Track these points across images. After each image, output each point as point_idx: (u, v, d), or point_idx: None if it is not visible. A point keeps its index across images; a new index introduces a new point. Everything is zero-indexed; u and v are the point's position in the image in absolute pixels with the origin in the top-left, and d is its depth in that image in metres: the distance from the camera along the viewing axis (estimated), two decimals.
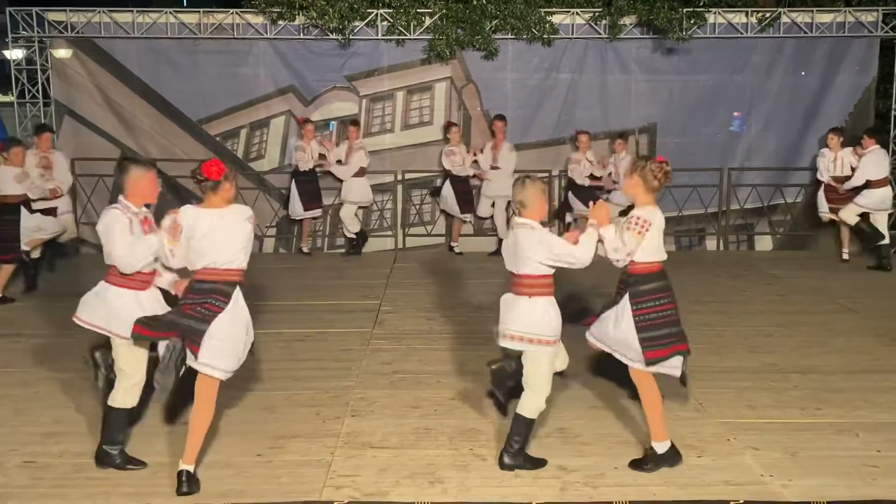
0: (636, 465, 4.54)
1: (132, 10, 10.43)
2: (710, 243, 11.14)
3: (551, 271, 4.49)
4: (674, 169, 11.12)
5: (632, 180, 4.48)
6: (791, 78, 10.76)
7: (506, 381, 4.95)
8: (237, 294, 4.25)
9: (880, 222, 9.61)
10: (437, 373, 6.07)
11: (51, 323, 7.40)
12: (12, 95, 10.75)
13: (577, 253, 4.38)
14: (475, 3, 10.00)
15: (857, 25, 10.52)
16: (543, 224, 4.53)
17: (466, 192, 10.46)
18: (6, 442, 4.82)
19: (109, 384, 4.55)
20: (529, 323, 4.45)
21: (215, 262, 4.19)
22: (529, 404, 4.53)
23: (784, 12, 10.53)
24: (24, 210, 8.31)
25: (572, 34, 10.53)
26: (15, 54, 11.00)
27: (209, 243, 4.19)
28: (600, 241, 4.44)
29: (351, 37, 10.31)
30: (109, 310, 4.39)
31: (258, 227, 9.83)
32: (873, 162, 9.50)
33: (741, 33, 10.48)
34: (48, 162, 9.00)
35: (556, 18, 10.46)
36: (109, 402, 4.46)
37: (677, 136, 10.84)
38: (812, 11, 10.54)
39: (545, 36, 10.36)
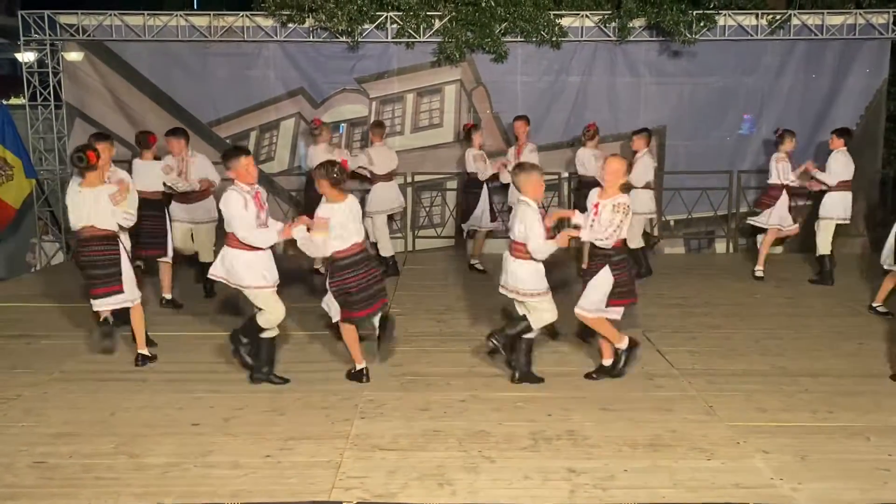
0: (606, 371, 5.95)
1: (143, 14, 10.48)
2: (720, 245, 11.11)
3: None
4: (683, 171, 11.12)
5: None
6: (801, 80, 10.72)
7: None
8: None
9: (826, 232, 8.90)
10: (446, 374, 6.07)
11: (59, 324, 7.44)
12: (24, 98, 10.82)
13: (534, 244, 5.55)
14: (484, 5, 10.00)
15: (868, 27, 10.48)
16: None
17: (473, 203, 9.80)
18: (16, 442, 4.84)
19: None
20: (532, 282, 5.69)
21: (357, 241, 5.67)
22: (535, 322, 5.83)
23: (794, 14, 10.50)
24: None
25: (581, 37, 10.54)
26: (27, 57, 11.09)
27: (347, 231, 5.59)
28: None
29: (360, 39, 10.33)
30: (232, 267, 5.60)
31: None
32: (841, 162, 8.79)
33: (751, 35, 10.46)
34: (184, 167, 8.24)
35: (566, 21, 10.46)
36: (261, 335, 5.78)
37: (687, 138, 10.83)
38: (822, 13, 10.51)
39: (554, 38, 10.36)
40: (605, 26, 10.45)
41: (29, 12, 10.39)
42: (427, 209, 11.03)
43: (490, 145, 10.77)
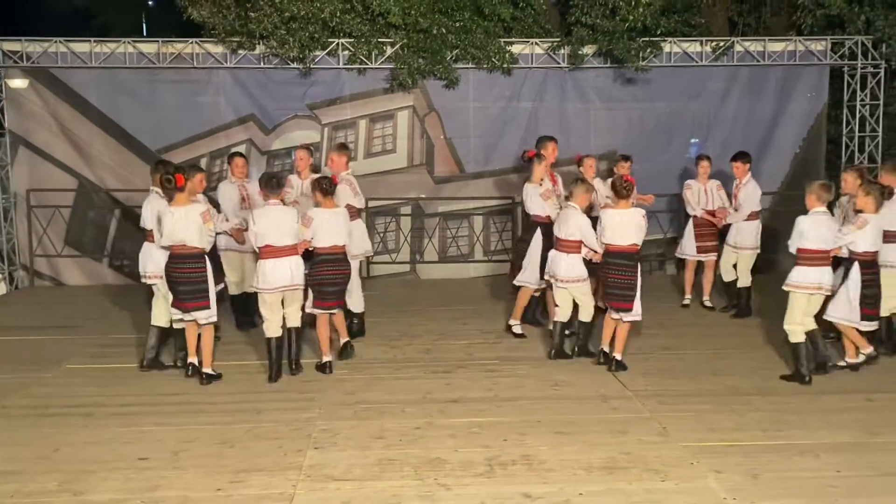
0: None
1: (90, 40, 10.32)
2: (671, 267, 11.26)
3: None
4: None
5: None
6: (746, 105, 11.00)
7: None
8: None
9: (744, 264, 8.48)
10: (401, 402, 6.01)
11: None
12: None
13: (592, 240, 6.87)
14: (435, 32, 10.08)
15: (807, 54, 10.82)
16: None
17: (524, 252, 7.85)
18: None
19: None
20: (579, 270, 6.92)
21: (335, 243, 6.61)
22: (587, 314, 7.05)
23: (737, 41, 10.80)
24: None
25: (531, 63, 10.67)
26: None
27: (327, 232, 6.55)
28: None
29: (312, 66, 10.32)
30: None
31: None
32: (753, 192, 8.46)
33: (696, 62, 10.72)
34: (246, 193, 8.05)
35: (516, 48, 10.60)
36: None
37: (636, 162, 10.84)
38: (764, 40, 10.85)
39: (505, 65, 10.48)
40: (555, 53, 10.61)
41: None
42: (381, 235, 11.00)
43: (443, 171, 10.84)
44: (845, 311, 6.44)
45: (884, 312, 6.87)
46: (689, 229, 8.91)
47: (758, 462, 4.87)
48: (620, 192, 6.69)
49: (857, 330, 6.53)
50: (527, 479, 4.67)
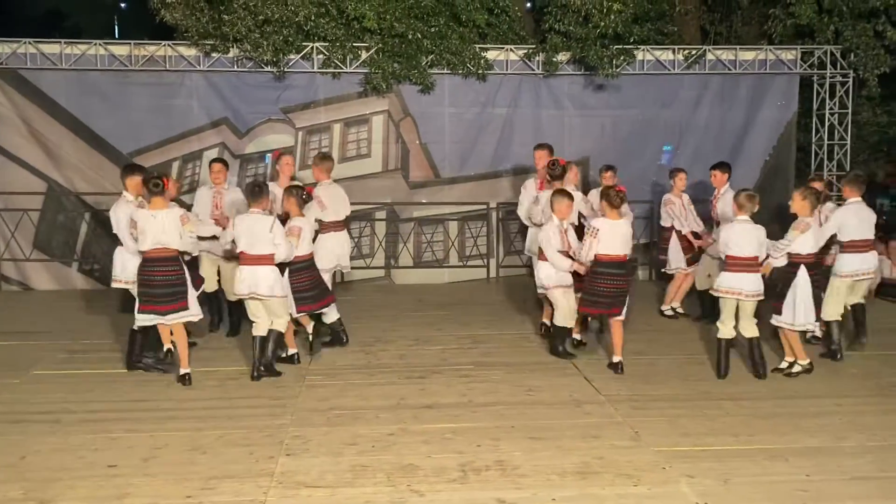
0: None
1: (60, 42, 10.21)
2: (642, 273, 11.34)
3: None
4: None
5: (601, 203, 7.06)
6: (717, 113, 11.13)
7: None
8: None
9: (709, 269, 8.30)
10: (375, 408, 5.99)
11: None
12: None
13: (550, 255, 7.08)
14: (411, 37, 10.09)
15: (778, 63, 10.99)
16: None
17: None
18: None
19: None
20: (556, 279, 7.14)
21: (310, 250, 7.07)
22: (559, 318, 7.18)
23: (709, 49, 10.94)
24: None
25: (507, 70, 10.72)
26: None
27: (306, 240, 6.98)
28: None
29: (286, 69, 10.27)
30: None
31: None
32: (731, 202, 8.03)
33: (669, 70, 10.82)
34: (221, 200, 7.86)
35: (491, 54, 10.64)
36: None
37: None
38: (735, 49, 10.99)
39: (480, 71, 10.51)
40: (530, 60, 10.66)
41: None
42: (356, 239, 10.96)
43: (418, 176, 10.83)
44: (790, 315, 6.62)
45: (829, 317, 7.14)
46: (675, 242, 8.71)
47: (729, 466, 4.91)
48: (614, 201, 6.82)
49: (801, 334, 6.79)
50: (500, 485, 4.67)
